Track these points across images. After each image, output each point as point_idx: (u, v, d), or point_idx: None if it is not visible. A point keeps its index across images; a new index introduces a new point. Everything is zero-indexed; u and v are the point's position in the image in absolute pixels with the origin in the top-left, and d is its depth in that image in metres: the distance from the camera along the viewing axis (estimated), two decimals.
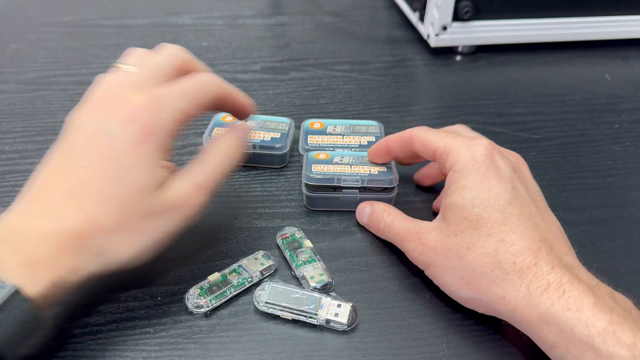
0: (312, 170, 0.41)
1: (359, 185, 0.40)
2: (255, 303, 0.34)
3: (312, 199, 0.41)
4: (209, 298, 0.34)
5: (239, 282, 0.35)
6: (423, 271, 0.35)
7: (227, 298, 0.35)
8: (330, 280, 0.36)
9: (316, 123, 0.47)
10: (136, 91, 0.31)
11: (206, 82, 0.33)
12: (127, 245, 0.30)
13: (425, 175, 0.44)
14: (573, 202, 0.44)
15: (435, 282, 0.34)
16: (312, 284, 0.35)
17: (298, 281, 0.36)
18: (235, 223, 0.41)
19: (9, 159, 0.46)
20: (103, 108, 0.31)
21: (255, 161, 0.46)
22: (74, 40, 0.65)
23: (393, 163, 0.42)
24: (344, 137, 0.46)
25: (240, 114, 0.37)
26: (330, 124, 0.47)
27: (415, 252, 0.35)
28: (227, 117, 0.47)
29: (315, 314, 0.33)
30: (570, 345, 0.27)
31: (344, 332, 0.33)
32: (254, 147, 0.45)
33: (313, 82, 0.59)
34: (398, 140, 0.39)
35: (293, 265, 0.37)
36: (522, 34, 0.64)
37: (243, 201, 0.42)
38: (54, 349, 0.31)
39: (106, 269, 0.30)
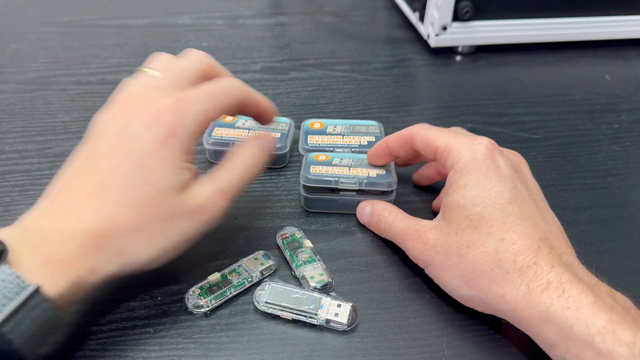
0: (310, 171, 0.40)
1: (357, 188, 0.40)
2: (255, 303, 0.34)
3: (310, 200, 0.41)
4: (209, 298, 0.34)
5: (239, 282, 0.35)
6: (423, 271, 0.35)
7: (227, 298, 0.35)
8: (330, 280, 0.36)
9: (316, 123, 0.47)
10: (160, 94, 0.31)
11: (229, 86, 0.34)
12: (147, 247, 0.30)
13: (423, 175, 0.44)
14: (573, 202, 0.44)
15: (436, 280, 0.34)
16: (312, 284, 0.35)
17: (298, 281, 0.36)
18: (235, 223, 0.41)
19: (9, 159, 0.46)
20: (127, 110, 0.31)
21: None
22: (74, 40, 0.65)
23: (392, 166, 0.42)
24: (344, 137, 0.46)
25: (262, 118, 0.37)
26: (330, 124, 0.47)
27: (415, 251, 0.35)
28: (227, 117, 0.47)
29: (315, 314, 0.33)
30: (570, 344, 0.27)
31: (344, 332, 0.33)
32: None
33: (313, 82, 0.59)
34: (398, 138, 0.39)
35: (293, 265, 0.37)
36: (522, 34, 0.64)
37: (243, 201, 0.42)
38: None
39: (125, 270, 0.30)
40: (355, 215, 0.41)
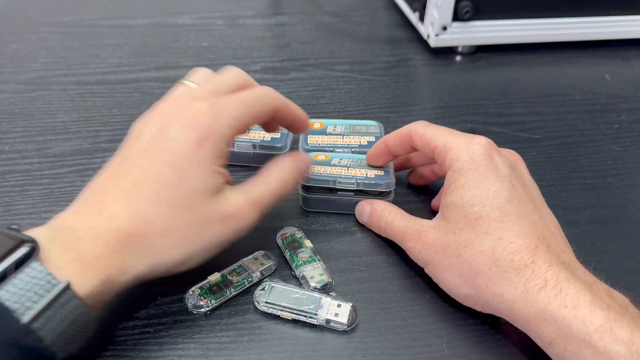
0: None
1: (354, 188, 0.40)
2: (255, 303, 0.34)
3: (308, 200, 0.41)
4: (209, 298, 0.34)
5: (239, 282, 0.35)
6: (423, 271, 0.35)
7: (227, 298, 0.35)
8: (330, 280, 0.36)
9: (316, 123, 0.47)
10: (197, 100, 0.32)
11: (264, 94, 0.34)
12: (178, 248, 0.30)
13: (418, 175, 0.44)
14: (573, 202, 0.44)
15: (434, 279, 0.34)
16: (312, 284, 0.35)
17: (298, 281, 0.36)
18: None
19: (9, 159, 0.46)
20: (164, 115, 0.32)
21: (255, 161, 0.46)
22: (74, 40, 0.65)
23: (391, 167, 0.41)
24: (344, 137, 0.46)
25: (295, 127, 0.38)
26: (330, 124, 0.47)
27: (415, 250, 0.35)
28: None
29: (315, 314, 0.33)
30: (568, 342, 0.27)
31: (344, 332, 0.33)
32: (254, 147, 0.45)
33: (313, 82, 0.59)
34: (397, 137, 0.39)
35: (293, 265, 0.37)
36: (522, 34, 0.64)
37: None
38: None
39: (155, 271, 0.30)
40: (355, 215, 0.41)
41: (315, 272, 0.36)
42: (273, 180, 0.34)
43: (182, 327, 0.33)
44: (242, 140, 0.45)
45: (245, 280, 0.35)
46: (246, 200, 0.32)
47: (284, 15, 0.75)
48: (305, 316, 0.33)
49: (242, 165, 0.46)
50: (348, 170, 0.41)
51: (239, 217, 0.32)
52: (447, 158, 0.34)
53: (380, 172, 0.41)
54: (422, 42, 0.67)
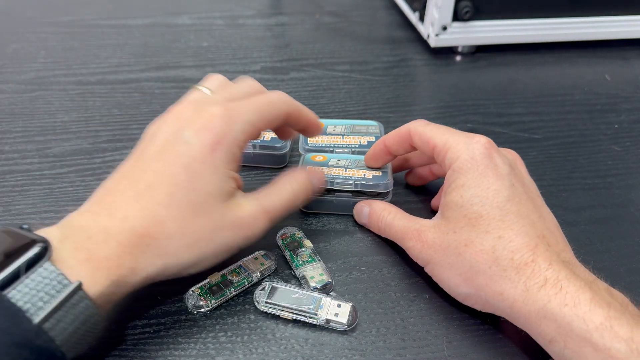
0: None
1: (352, 189, 0.40)
2: (255, 303, 0.34)
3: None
4: (209, 298, 0.34)
5: (239, 282, 0.35)
6: (423, 271, 0.35)
7: (227, 298, 0.35)
8: (330, 280, 0.36)
9: None
10: (212, 105, 0.32)
11: (277, 99, 0.35)
12: (189, 250, 0.30)
13: (417, 175, 0.44)
14: (573, 202, 0.44)
15: (435, 278, 0.34)
16: (312, 284, 0.35)
17: (298, 281, 0.36)
18: None
19: (9, 159, 0.46)
20: (179, 118, 0.32)
21: (255, 161, 0.46)
22: (74, 40, 0.65)
23: (389, 168, 0.41)
24: (344, 137, 0.46)
25: (308, 131, 0.39)
26: (330, 124, 0.47)
27: (415, 250, 0.35)
28: None
29: (315, 314, 0.33)
30: (569, 340, 0.27)
31: (344, 332, 0.33)
32: (254, 147, 0.45)
33: (313, 82, 0.59)
34: (396, 136, 0.39)
35: (293, 265, 0.37)
36: (522, 34, 0.64)
37: None
38: None
39: (165, 272, 0.30)
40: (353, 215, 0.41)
41: (315, 272, 0.36)
42: (285, 191, 0.35)
43: (182, 327, 0.33)
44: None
45: (245, 280, 0.35)
46: (258, 208, 0.33)
47: (284, 15, 0.75)
48: (305, 316, 0.33)
49: (242, 165, 0.46)
50: (346, 171, 0.41)
51: (250, 224, 0.32)
52: (446, 157, 0.34)
53: (378, 173, 0.41)
54: (422, 42, 0.67)
